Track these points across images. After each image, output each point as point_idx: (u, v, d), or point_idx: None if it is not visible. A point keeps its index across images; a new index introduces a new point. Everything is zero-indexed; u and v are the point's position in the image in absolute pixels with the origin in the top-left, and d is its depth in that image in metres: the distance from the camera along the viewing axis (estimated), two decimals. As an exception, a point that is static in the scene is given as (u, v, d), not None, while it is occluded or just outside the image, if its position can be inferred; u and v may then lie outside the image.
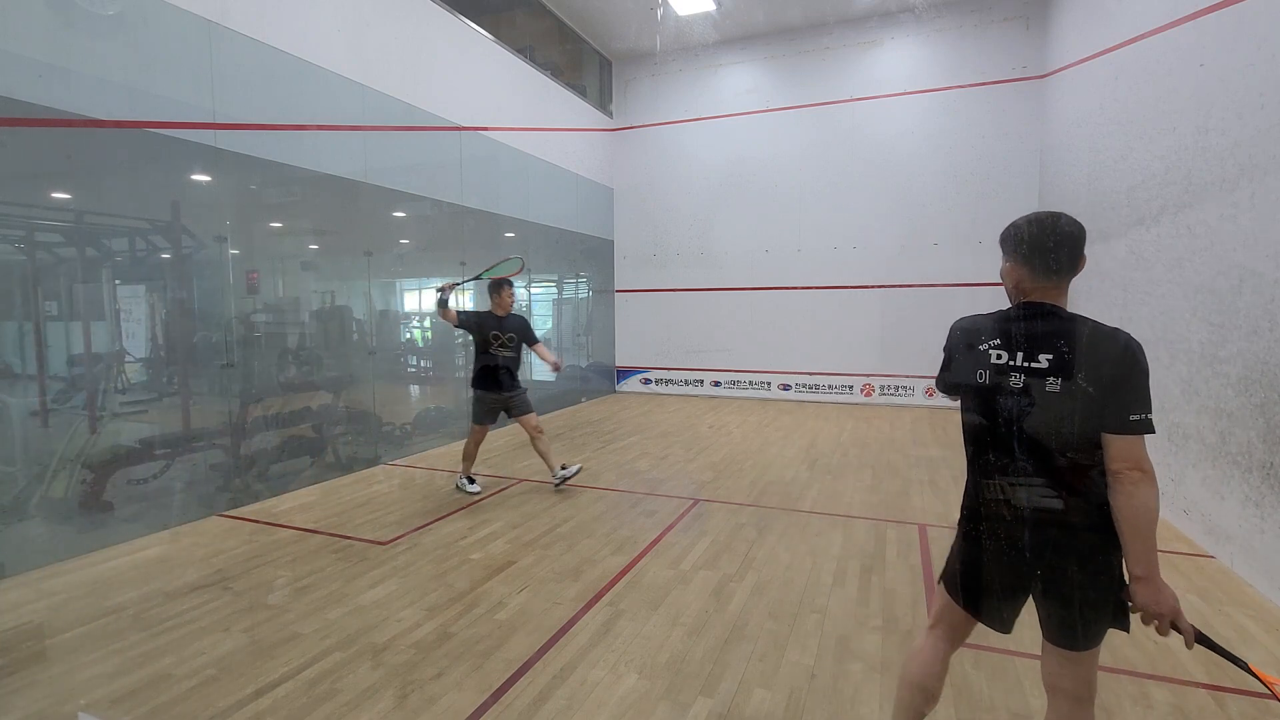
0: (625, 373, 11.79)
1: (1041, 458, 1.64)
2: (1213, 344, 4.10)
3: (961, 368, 1.77)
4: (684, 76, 11.01)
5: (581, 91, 10.65)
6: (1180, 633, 1.55)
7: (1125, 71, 5.77)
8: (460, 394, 8.11)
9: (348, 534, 4.40)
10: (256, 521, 4.66)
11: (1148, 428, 1.54)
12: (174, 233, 4.72)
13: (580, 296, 11.17)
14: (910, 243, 9.78)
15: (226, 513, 4.84)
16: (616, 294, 11.75)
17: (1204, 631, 1.58)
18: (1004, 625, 1.81)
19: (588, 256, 11.02)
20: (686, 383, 11.33)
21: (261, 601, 3.41)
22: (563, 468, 5.41)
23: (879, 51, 9.84)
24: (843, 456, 6.71)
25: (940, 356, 1.91)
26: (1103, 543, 1.61)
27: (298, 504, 5.09)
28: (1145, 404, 1.55)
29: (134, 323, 4.74)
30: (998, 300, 1.78)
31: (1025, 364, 1.64)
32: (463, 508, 4.97)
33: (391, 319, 7.39)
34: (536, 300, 10.08)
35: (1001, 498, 1.70)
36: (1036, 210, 1.87)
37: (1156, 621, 1.56)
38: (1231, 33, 4.03)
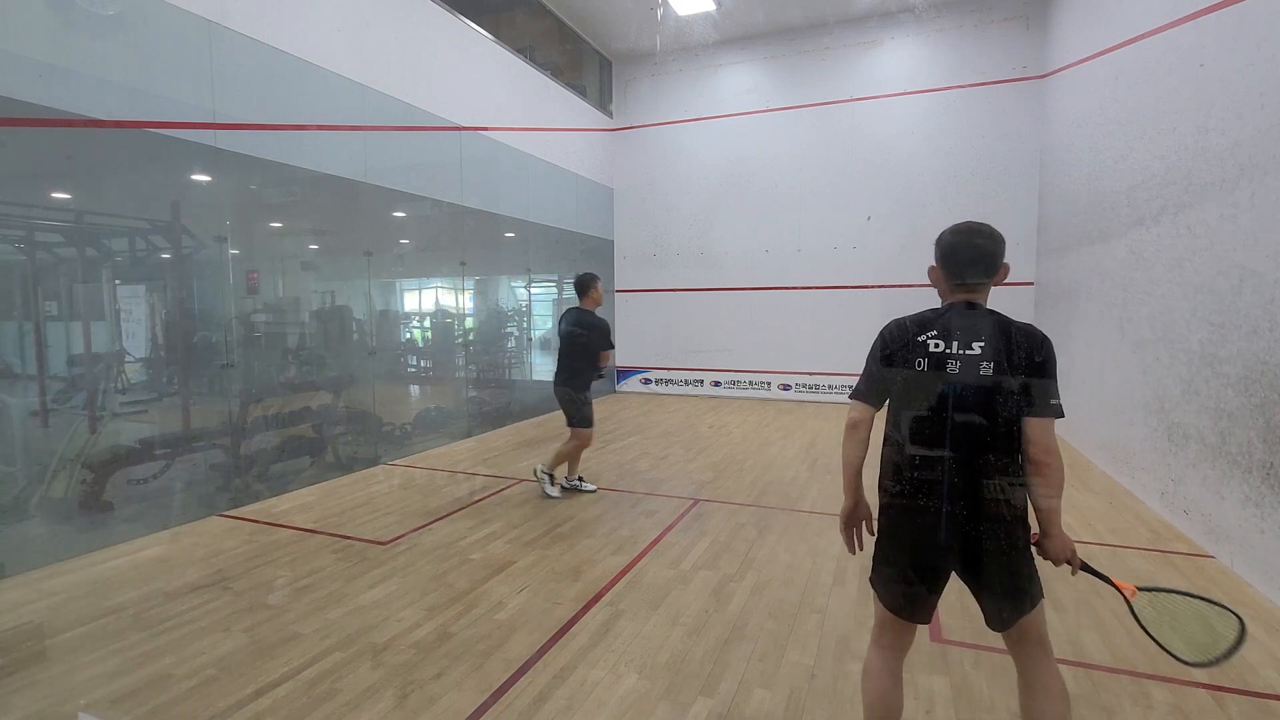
0: (625, 373, 11.79)
1: (977, 438, 1.77)
2: (1213, 344, 4.10)
3: (901, 360, 1.88)
4: (684, 76, 11.01)
5: (581, 91, 10.65)
6: (1070, 565, 1.80)
7: (1125, 71, 5.77)
8: (460, 394, 8.11)
9: (348, 534, 4.40)
10: (256, 521, 4.66)
11: (1061, 412, 1.74)
12: (174, 233, 4.72)
13: (580, 296, 11.17)
14: (910, 243, 9.77)
15: (226, 513, 4.84)
16: (617, 294, 11.75)
17: (1088, 563, 1.85)
18: (929, 616, 1.93)
19: (588, 256, 11.02)
20: (686, 383, 11.33)
21: (261, 601, 3.41)
22: (580, 478, 5.38)
23: (879, 51, 9.84)
24: (843, 456, 6.70)
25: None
26: (1025, 516, 1.79)
27: (298, 504, 5.09)
28: (1058, 391, 1.76)
29: (134, 323, 4.74)
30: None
31: (961, 352, 1.79)
32: (462, 508, 4.97)
33: (391, 319, 7.39)
34: (537, 300, 10.08)
35: (940, 479, 1.80)
36: (968, 220, 1.93)
37: (1064, 563, 1.79)
38: (1231, 33, 4.03)
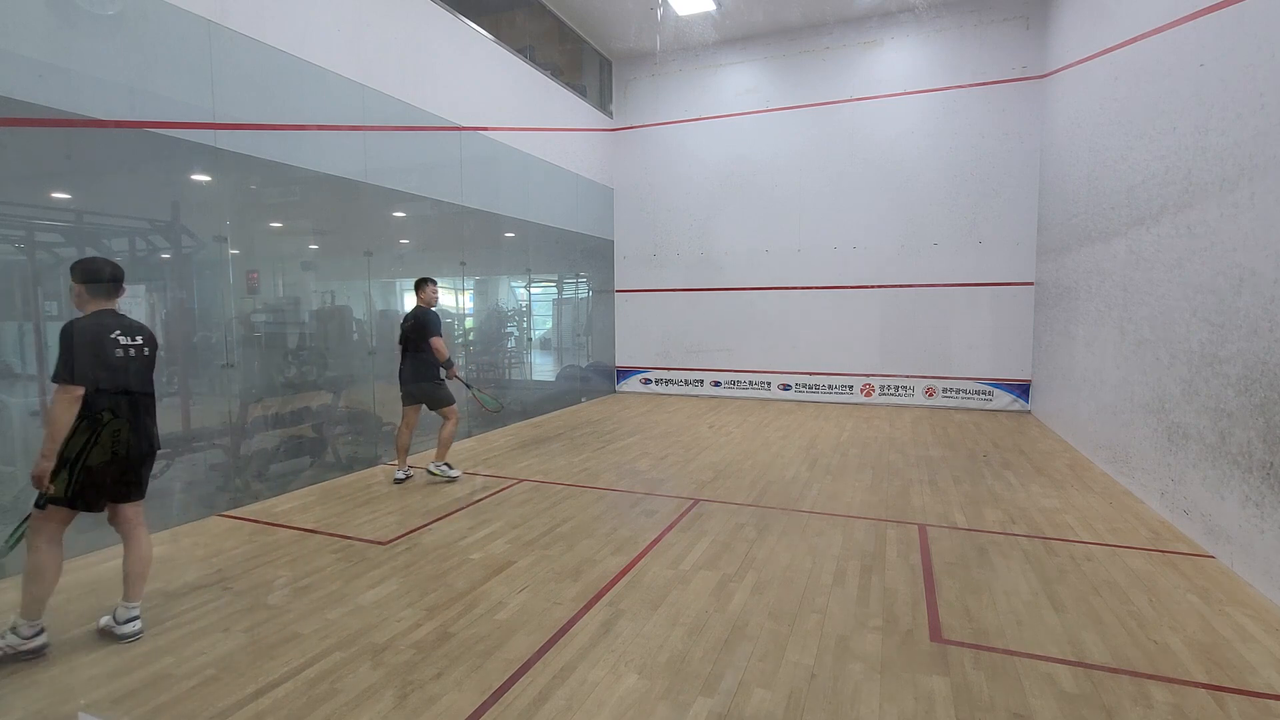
0: (625, 373, 11.79)
1: (143, 391, 3.15)
2: (1213, 344, 4.10)
3: (99, 349, 2.94)
4: (684, 76, 11.01)
5: (581, 91, 10.65)
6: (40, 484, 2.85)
7: (1125, 71, 5.77)
8: (459, 392, 8.10)
9: (348, 534, 4.40)
10: (256, 521, 4.66)
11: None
12: (174, 233, 4.72)
13: (580, 296, 11.17)
14: (910, 243, 9.78)
15: (226, 513, 4.84)
16: (617, 294, 11.76)
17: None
18: (103, 506, 3.01)
19: (588, 256, 11.02)
20: (686, 383, 11.33)
21: (261, 601, 3.41)
22: (448, 465, 5.81)
23: (879, 51, 9.84)
24: (843, 456, 6.71)
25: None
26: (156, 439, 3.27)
27: (298, 504, 5.09)
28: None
29: (134, 323, 4.73)
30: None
31: (134, 342, 3.11)
32: (462, 508, 4.98)
33: (391, 319, 7.37)
34: (536, 300, 10.08)
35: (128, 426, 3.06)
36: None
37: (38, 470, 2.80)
38: (1231, 33, 4.03)
